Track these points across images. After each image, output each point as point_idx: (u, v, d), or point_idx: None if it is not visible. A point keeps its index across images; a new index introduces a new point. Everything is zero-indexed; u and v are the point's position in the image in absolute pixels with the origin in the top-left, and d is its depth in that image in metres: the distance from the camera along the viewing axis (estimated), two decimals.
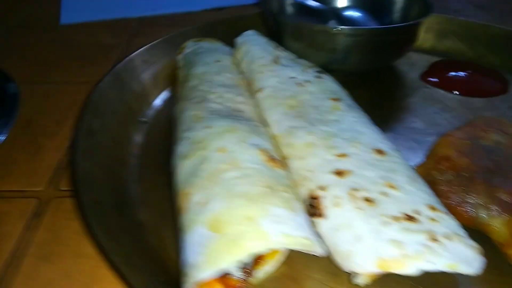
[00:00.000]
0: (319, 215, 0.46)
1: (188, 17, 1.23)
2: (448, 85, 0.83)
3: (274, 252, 0.46)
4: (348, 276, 0.45)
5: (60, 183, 0.62)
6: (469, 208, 0.50)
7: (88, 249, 0.51)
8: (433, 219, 0.44)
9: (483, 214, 0.50)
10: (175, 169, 0.50)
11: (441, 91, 0.82)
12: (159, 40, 0.85)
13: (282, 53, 0.76)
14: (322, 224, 0.45)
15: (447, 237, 0.42)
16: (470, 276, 0.42)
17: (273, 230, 0.38)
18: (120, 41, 1.04)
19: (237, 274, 0.42)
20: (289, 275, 0.47)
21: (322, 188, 0.48)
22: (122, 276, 0.40)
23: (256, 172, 0.45)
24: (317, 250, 0.41)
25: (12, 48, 1.06)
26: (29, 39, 1.09)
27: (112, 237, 0.45)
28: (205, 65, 0.69)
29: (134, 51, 0.80)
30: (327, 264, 0.46)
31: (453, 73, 0.86)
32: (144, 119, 0.72)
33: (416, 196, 0.47)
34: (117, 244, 0.44)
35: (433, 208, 0.46)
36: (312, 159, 0.51)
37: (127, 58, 0.77)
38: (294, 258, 0.48)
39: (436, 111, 0.77)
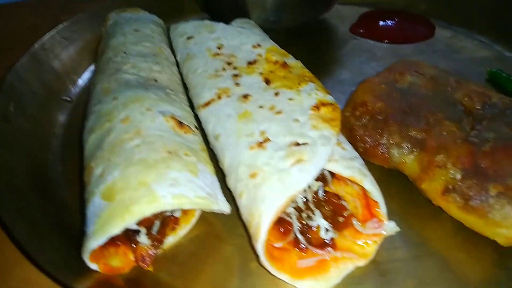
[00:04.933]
0: None
1: None
2: (377, 35, 0.84)
3: (187, 216, 0.47)
4: None
5: None
6: (383, 149, 0.51)
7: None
8: None
9: (395, 153, 0.51)
10: (84, 144, 0.49)
11: (371, 41, 0.83)
12: (78, 15, 0.81)
13: None
14: None
15: None
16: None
17: (166, 192, 0.38)
18: (44, 21, 0.99)
19: (145, 241, 0.42)
20: (211, 234, 0.49)
21: None
22: (26, 254, 0.40)
23: (159, 138, 0.44)
24: (218, 207, 0.42)
25: None
26: None
27: (25, 219, 0.45)
28: (122, 36, 0.66)
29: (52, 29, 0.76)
30: None
31: (382, 23, 0.86)
32: (67, 98, 0.70)
33: None
34: (30, 224, 0.44)
35: None
36: None
37: (44, 38, 0.74)
38: (215, 219, 0.49)
39: (364, 61, 0.77)
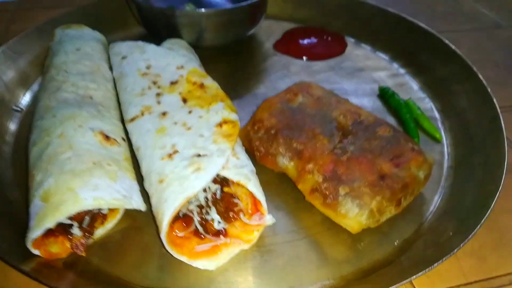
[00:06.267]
0: None
1: None
2: (296, 52, 0.97)
3: (114, 212, 0.59)
4: None
5: None
6: (271, 157, 0.65)
7: None
8: None
9: (280, 160, 0.65)
10: (29, 155, 0.60)
11: (290, 58, 0.96)
12: (29, 30, 0.90)
13: None
14: None
15: None
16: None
17: (87, 196, 0.51)
18: None
19: (78, 233, 0.54)
20: (134, 226, 0.61)
21: None
22: None
23: (87, 151, 0.56)
24: (131, 206, 0.55)
25: None
26: None
27: None
28: (64, 55, 0.76)
29: (3, 43, 0.85)
30: None
31: (301, 41, 1.00)
32: (17, 108, 0.80)
33: None
34: None
35: None
36: None
37: None
38: (138, 215, 0.61)
39: (279, 76, 0.90)
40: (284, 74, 0.91)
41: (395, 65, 0.95)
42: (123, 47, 0.81)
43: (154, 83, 0.72)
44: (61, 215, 0.49)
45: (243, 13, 0.90)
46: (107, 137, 0.60)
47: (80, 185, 0.51)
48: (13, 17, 1.12)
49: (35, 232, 0.49)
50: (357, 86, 0.89)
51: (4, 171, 0.69)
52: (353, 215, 0.56)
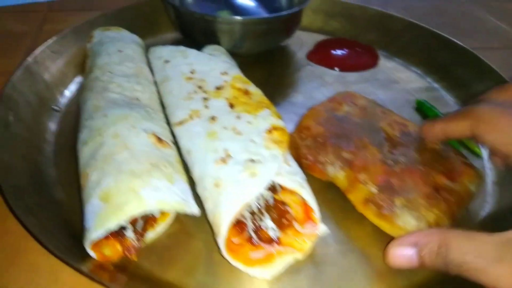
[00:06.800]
0: None
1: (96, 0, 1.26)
2: (328, 62, 0.97)
3: (164, 216, 0.58)
4: None
5: None
6: (320, 165, 0.65)
7: (12, 226, 0.59)
8: None
9: (330, 169, 0.64)
10: (78, 154, 0.59)
11: (323, 68, 0.96)
12: (66, 31, 0.90)
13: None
14: None
15: None
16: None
17: (150, 197, 0.50)
18: (29, 29, 1.07)
19: (131, 235, 0.53)
20: (183, 231, 0.60)
21: None
22: (40, 242, 0.51)
23: (143, 152, 0.55)
24: (190, 210, 0.54)
25: None
26: None
27: (30, 213, 0.55)
28: (107, 56, 0.76)
29: (43, 43, 0.85)
30: None
31: (333, 52, 1.00)
32: (57, 108, 0.79)
33: None
34: (35, 217, 0.54)
35: None
36: None
37: (36, 51, 0.82)
38: (186, 219, 0.60)
39: (315, 86, 0.91)
40: (320, 84, 0.91)
41: (429, 79, 0.96)
42: (164, 51, 0.81)
43: (200, 87, 0.71)
44: (125, 216, 0.48)
45: (281, 23, 0.91)
46: (159, 139, 0.60)
47: (142, 185, 0.50)
48: (45, 17, 1.12)
49: (97, 233, 0.48)
50: (393, 97, 0.89)
51: (48, 170, 0.68)
52: (411, 227, 0.56)
